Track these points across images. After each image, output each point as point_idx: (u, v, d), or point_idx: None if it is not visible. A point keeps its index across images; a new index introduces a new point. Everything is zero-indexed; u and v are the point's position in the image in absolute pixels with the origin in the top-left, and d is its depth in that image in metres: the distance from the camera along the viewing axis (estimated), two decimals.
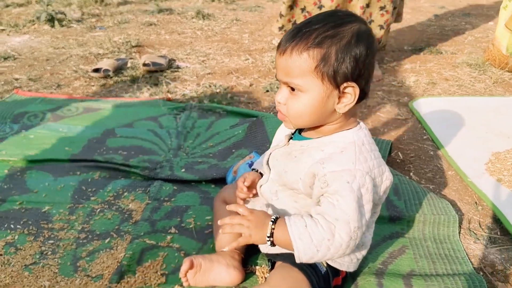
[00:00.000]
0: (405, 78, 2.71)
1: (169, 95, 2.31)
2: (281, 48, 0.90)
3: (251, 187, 1.12)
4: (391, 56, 3.16)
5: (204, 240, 1.27)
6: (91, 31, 3.64)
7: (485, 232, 1.37)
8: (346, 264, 1.03)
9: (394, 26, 4.08)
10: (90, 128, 1.93)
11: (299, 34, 0.88)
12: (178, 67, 2.78)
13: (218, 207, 1.24)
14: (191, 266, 1.08)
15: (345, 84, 0.89)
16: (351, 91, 0.90)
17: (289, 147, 1.02)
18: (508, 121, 2.11)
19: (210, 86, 2.46)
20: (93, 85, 2.48)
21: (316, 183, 0.91)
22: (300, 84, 0.89)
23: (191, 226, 1.34)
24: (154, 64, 2.65)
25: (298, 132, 1.04)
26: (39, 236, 1.30)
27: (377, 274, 1.16)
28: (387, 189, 0.97)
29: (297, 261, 0.92)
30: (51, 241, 1.28)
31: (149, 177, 1.57)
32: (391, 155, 1.78)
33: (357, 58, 0.87)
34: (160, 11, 4.38)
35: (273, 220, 0.94)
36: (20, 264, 1.19)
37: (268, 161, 1.08)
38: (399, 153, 1.83)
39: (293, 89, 0.91)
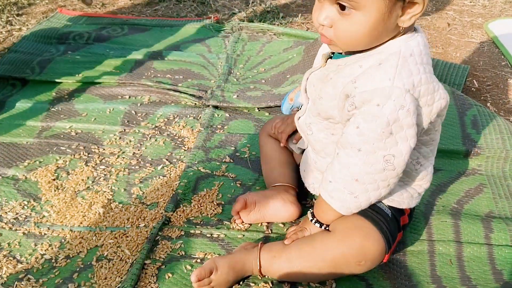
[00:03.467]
0: None
1: (217, 15, 2.14)
2: None
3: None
4: None
5: (260, 171, 1.19)
6: None
7: None
8: (407, 201, 0.91)
9: None
10: (137, 49, 1.82)
11: None
12: None
13: (264, 140, 1.15)
14: (245, 206, 1.01)
15: None
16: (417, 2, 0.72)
17: (325, 69, 0.86)
18: None
19: (260, 4, 2.27)
20: (138, 4, 2.35)
21: (345, 106, 0.78)
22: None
23: (246, 155, 1.26)
24: None
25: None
26: (90, 161, 1.26)
27: (452, 214, 1.05)
28: (441, 111, 0.80)
29: (346, 213, 0.85)
30: (102, 167, 1.24)
31: (201, 103, 1.48)
32: (465, 82, 1.59)
33: None
34: None
35: (311, 218, 0.92)
36: (73, 189, 1.16)
37: (306, 88, 0.92)
38: (474, 80, 1.64)
39: (342, 7, 0.72)
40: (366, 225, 0.85)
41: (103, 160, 1.26)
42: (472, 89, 1.59)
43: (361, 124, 0.76)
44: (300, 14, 2.16)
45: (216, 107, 1.47)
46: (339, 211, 0.85)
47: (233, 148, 1.29)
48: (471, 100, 1.40)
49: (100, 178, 1.20)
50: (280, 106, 1.43)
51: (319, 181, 0.94)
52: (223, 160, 1.24)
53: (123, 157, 1.27)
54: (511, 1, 2.32)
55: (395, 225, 0.90)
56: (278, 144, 1.12)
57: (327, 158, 0.91)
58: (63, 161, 1.26)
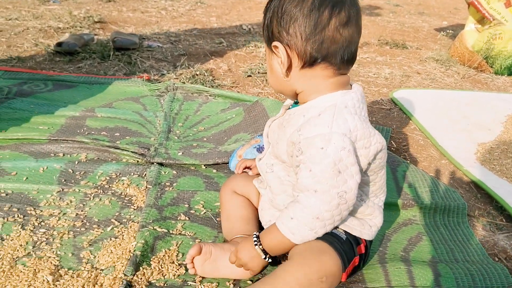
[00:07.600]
0: (379, 70, 2.74)
1: (148, 75, 2.15)
2: None
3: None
4: (361, 49, 3.19)
5: (218, 228, 1.18)
6: (45, 3, 3.33)
7: (490, 219, 1.39)
8: (358, 229, 0.99)
9: None
10: (65, 106, 1.73)
11: None
12: (149, 47, 2.61)
13: (227, 197, 1.16)
14: (199, 252, 0.99)
15: (274, 43, 0.90)
16: (278, 51, 0.90)
17: (282, 118, 1.00)
18: (484, 114, 2.19)
19: (188, 67, 2.33)
20: (58, 60, 2.26)
21: (293, 152, 0.89)
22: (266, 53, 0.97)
23: (202, 213, 1.24)
24: (125, 41, 2.46)
25: (295, 102, 1.02)
26: (27, 225, 1.13)
27: (403, 261, 1.13)
28: (378, 153, 0.93)
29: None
30: (42, 230, 1.12)
31: (145, 161, 1.44)
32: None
33: (279, 16, 0.89)
34: None
35: (255, 240, 0.95)
36: (10, 256, 1.02)
37: (268, 133, 1.06)
38: (392, 141, 1.83)
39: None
40: (321, 245, 0.91)
41: (42, 223, 1.14)
42: (392, 149, 1.78)
43: (312, 167, 0.85)
44: (228, 78, 2.26)
45: (161, 164, 1.44)
46: (298, 243, 0.91)
47: (186, 205, 1.26)
48: (399, 157, 1.56)
49: (42, 242, 1.08)
50: (227, 163, 1.45)
51: (275, 218, 0.96)
52: (178, 218, 1.20)
53: (65, 219, 1.17)
54: (406, 75, 2.69)
55: (350, 248, 0.96)
56: (241, 201, 1.13)
57: (282, 195, 0.99)
58: None
